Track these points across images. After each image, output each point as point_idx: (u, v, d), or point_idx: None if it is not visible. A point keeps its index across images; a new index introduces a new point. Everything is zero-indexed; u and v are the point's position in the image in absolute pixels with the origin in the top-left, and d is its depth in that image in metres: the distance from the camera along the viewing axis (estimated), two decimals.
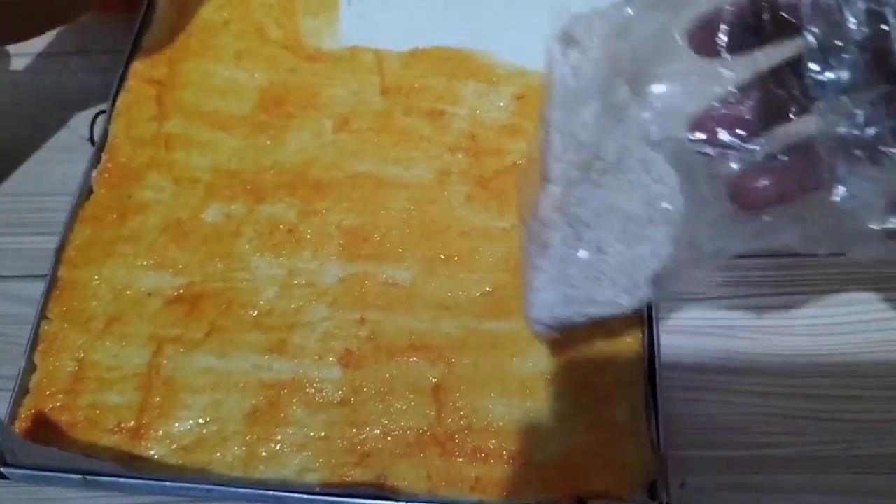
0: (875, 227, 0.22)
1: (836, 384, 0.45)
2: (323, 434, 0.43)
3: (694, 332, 0.47)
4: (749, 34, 0.25)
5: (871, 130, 0.21)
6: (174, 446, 0.43)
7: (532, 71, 0.54)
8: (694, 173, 0.29)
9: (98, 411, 0.44)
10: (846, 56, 0.21)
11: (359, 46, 0.56)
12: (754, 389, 0.45)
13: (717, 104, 0.27)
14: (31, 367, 0.45)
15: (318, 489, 0.41)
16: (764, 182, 0.27)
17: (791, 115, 0.25)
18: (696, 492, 0.43)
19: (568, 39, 0.34)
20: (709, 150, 0.27)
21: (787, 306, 0.47)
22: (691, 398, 0.45)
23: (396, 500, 0.40)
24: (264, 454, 0.42)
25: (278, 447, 0.42)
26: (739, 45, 0.25)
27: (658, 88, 0.30)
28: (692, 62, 0.28)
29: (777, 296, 0.48)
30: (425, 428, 0.43)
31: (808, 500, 0.43)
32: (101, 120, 0.53)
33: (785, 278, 0.48)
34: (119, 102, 0.53)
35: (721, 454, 0.44)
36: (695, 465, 0.43)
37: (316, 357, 0.45)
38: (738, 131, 0.26)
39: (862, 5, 0.20)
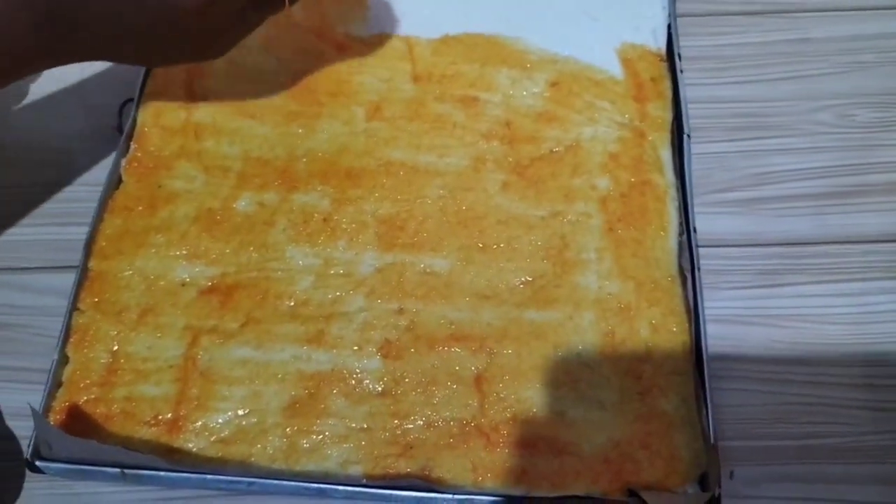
0: None
1: (882, 373, 0.45)
2: (365, 426, 0.42)
3: (738, 322, 0.46)
4: None
5: None
6: (213, 438, 0.42)
7: (565, 57, 0.54)
8: None
9: (134, 403, 0.43)
10: None
11: (388, 33, 0.55)
12: (799, 379, 0.45)
13: None
14: (63, 360, 0.44)
15: (364, 481, 0.40)
16: None
17: None
18: (745, 482, 0.42)
19: None
20: None
21: (832, 294, 0.47)
22: (736, 388, 0.45)
23: (442, 493, 0.40)
24: (306, 446, 0.41)
25: (320, 439, 0.42)
26: None
27: None
28: None
29: (821, 283, 0.47)
30: (469, 419, 0.42)
31: (856, 491, 0.42)
32: (128, 109, 0.52)
33: (829, 266, 0.47)
34: (147, 91, 0.52)
35: (768, 444, 0.43)
36: (742, 456, 0.43)
37: (355, 348, 0.44)
38: None
39: None
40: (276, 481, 0.40)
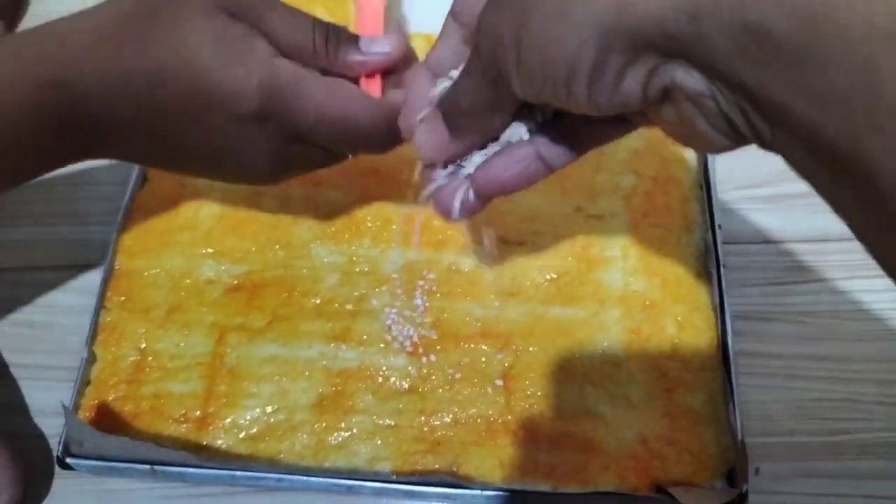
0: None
1: None
2: (392, 422, 0.42)
3: (764, 318, 0.46)
4: None
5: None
6: (241, 435, 0.42)
7: None
8: None
9: (162, 401, 0.43)
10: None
11: (409, 31, 0.55)
12: (823, 375, 0.45)
13: None
14: (92, 358, 0.45)
15: (393, 477, 0.40)
16: None
17: None
18: (771, 478, 0.42)
19: None
20: None
21: (858, 290, 0.47)
22: (760, 384, 0.45)
23: (470, 489, 0.40)
24: (334, 443, 0.42)
25: (348, 435, 0.42)
26: None
27: None
28: None
29: (847, 280, 0.47)
30: (496, 416, 0.42)
31: (883, 487, 0.42)
32: None
33: (854, 262, 0.47)
34: None
35: (793, 440, 0.43)
36: (767, 452, 0.43)
37: (381, 345, 0.44)
38: None
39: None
40: (305, 477, 0.40)
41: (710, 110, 0.24)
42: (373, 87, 0.38)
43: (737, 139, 0.26)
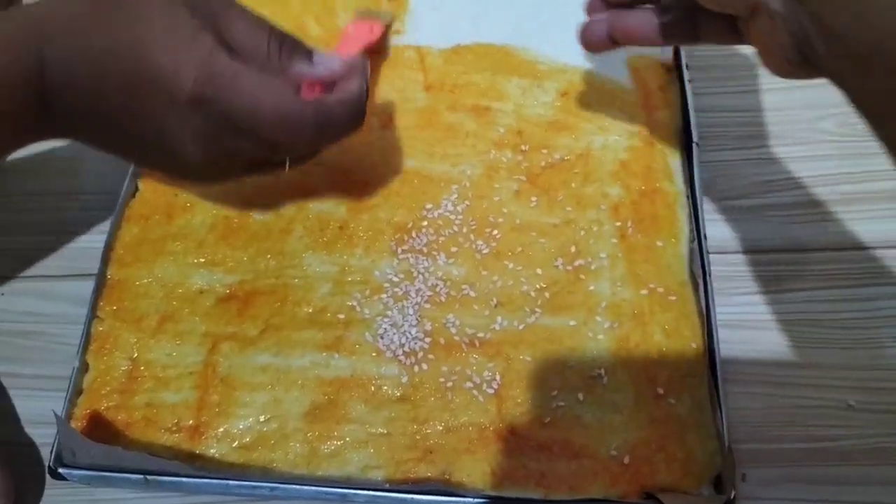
0: None
1: (890, 376, 0.45)
2: (385, 431, 0.42)
3: (748, 326, 0.47)
4: None
5: None
6: (234, 444, 0.42)
7: (574, 67, 0.54)
8: None
9: (155, 410, 0.43)
10: None
11: (400, 44, 0.56)
12: (809, 382, 0.46)
13: None
14: (84, 367, 0.45)
15: (386, 486, 0.41)
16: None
17: None
18: (758, 484, 0.43)
19: None
20: None
21: (841, 299, 0.48)
22: (747, 391, 0.45)
23: (463, 496, 0.40)
24: (327, 451, 0.42)
25: (340, 444, 0.42)
26: None
27: None
28: None
29: (830, 289, 0.48)
30: (487, 423, 0.43)
31: (865, 492, 0.43)
32: None
33: (839, 272, 0.48)
34: None
35: (779, 447, 0.44)
36: (754, 458, 0.43)
37: (373, 354, 0.44)
38: None
39: None
40: (298, 486, 0.41)
41: (781, 28, 0.34)
42: (311, 92, 0.39)
43: (798, 62, 0.35)
